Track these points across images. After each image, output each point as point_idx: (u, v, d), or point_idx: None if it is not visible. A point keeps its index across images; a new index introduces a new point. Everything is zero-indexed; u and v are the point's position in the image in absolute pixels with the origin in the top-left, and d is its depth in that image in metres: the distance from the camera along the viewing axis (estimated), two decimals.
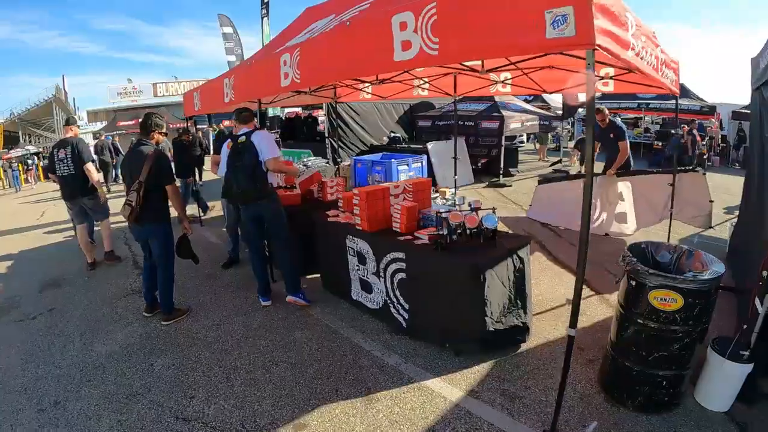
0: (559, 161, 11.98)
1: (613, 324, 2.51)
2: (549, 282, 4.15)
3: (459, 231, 2.91)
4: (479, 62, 3.93)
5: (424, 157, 7.51)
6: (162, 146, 3.65)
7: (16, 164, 16.23)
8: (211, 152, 7.10)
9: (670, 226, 4.53)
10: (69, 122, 5.18)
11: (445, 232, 2.88)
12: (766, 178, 3.45)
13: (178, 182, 4.02)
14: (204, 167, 9.09)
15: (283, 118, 13.65)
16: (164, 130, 3.72)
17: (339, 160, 7.58)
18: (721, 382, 2.36)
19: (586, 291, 3.79)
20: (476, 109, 9.97)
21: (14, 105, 30.17)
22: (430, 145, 8.52)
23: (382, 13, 2.28)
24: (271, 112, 14.19)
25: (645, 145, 13.91)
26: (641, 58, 2.33)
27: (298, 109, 15.24)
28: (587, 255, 1.89)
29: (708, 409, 2.37)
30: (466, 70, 4.22)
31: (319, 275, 4.24)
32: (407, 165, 6.80)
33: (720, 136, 13.33)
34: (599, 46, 1.62)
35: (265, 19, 17.63)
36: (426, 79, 5.12)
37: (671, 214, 4.55)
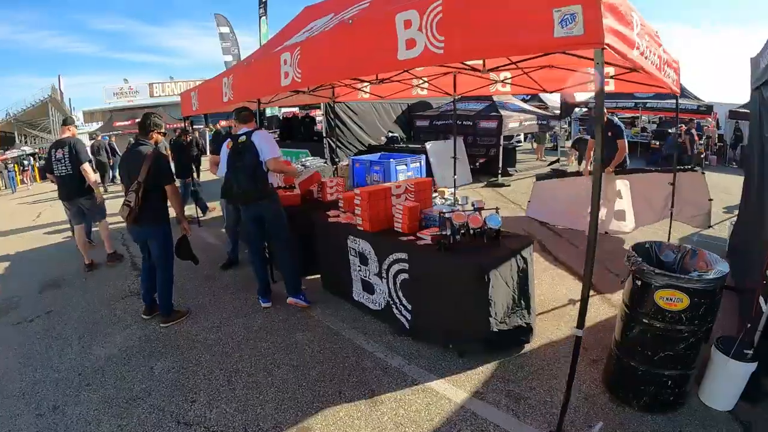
0: (557, 161, 11.99)
1: (618, 324, 2.50)
2: (550, 282, 4.14)
3: (462, 231, 2.90)
4: (480, 61, 3.91)
5: (423, 157, 7.50)
6: (159, 146, 3.61)
7: (12, 165, 16.09)
8: (208, 152, 7.05)
9: (670, 226, 4.53)
10: (66, 122, 5.12)
11: (449, 233, 2.86)
12: (766, 177, 3.46)
13: (177, 182, 3.98)
14: (201, 167, 9.03)
15: (281, 117, 13.61)
16: (163, 130, 3.68)
17: (337, 160, 7.54)
18: (725, 381, 2.36)
19: None
20: (474, 109, 9.94)
21: (10, 105, 29.92)
22: (428, 145, 8.49)
23: (385, 11, 2.25)
24: (268, 112, 14.15)
25: (642, 145, 13.95)
26: (645, 58, 2.32)
27: (296, 109, 15.21)
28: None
29: (712, 409, 2.37)
30: (466, 70, 4.20)
31: (318, 276, 4.21)
32: (406, 165, 6.78)
33: (717, 136, 13.41)
34: (608, 45, 1.61)
35: (263, 18, 17.58)
36: (425, 79, 5.10)
37: (671, 213, 4.56)
